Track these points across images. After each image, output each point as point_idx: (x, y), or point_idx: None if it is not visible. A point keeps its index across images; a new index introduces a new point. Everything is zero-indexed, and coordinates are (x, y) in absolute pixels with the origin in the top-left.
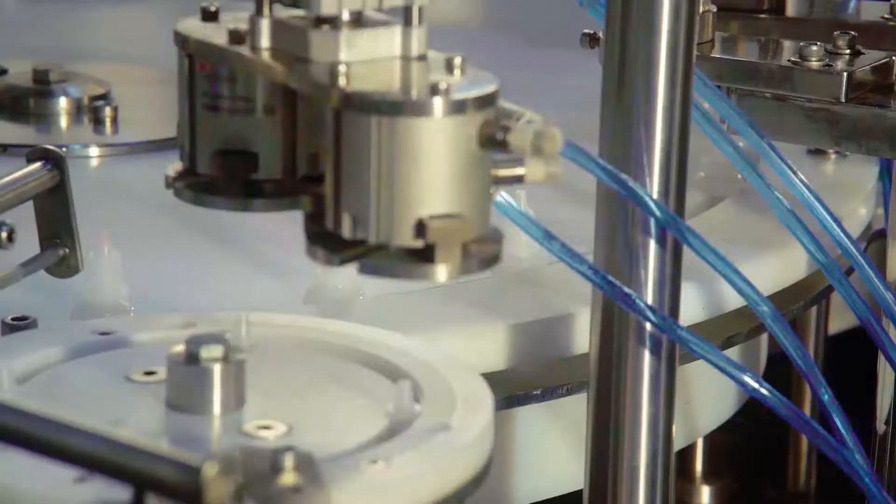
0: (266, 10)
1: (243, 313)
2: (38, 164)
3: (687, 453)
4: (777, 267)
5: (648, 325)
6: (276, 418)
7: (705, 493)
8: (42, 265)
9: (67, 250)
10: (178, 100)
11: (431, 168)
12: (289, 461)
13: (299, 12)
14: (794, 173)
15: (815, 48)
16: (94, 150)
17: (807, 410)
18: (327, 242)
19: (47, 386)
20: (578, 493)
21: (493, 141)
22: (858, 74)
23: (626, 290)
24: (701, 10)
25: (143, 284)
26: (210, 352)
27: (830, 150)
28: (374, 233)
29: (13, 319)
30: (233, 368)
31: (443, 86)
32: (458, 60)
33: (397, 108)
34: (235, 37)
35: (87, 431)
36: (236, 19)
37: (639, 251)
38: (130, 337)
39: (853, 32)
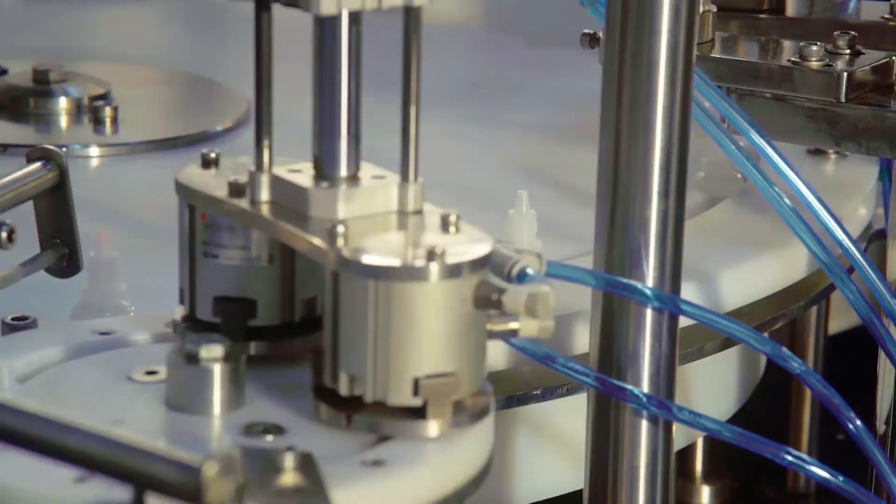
0: (265, 166)
1: None
2: (38, 164)
3: (687, 453)
4: (777, 267)
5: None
6: (277, 418)
7: (705, 493)
8: (42, 265)
9: (67, 250)
10: (179, 247)
11: (427, 330)
12: (289, 461)
13: (298, 166)
14: (795, 173)
15: (815, 48)
16: (94, 150)
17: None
18: (330, 397)
19: (48, 386)
20: (578, 493)
21: (488, 302)
22: (858, 74)
23: (625, 385)
24: (701, 10)
25: (144, 284)
26: (210, 352)
27: (830, 150)
28: (371, 391)
29: (13, 319)
30: (233, 368)
31: (438, 250)
32: (453, 218)
33: (394, 273)
34: (235, 189)
35: (87, 431)
36: (236, 167)
37: (639, 251)
38: (130, 337)
39: (853, 32)
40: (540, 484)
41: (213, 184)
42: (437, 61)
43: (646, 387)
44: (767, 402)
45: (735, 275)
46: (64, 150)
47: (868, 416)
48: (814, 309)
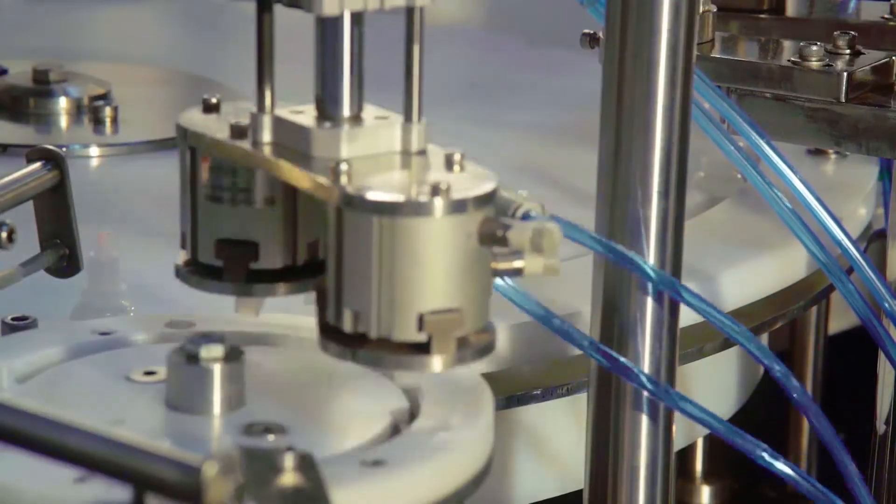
0: (267, 107)
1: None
2: (38, 164)
3: (687, 453)
4: (777, 267)
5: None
6: (277, 418)
7: (705, 493)
8: (42, 265)
9: (67, 250)
10: (180, 190)
11: (432, 266)
12: (289, 461)
13: (300, 109)
14: (794, 173)
15: (815, 48)
16: (94, 150)
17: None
18: (337, 335)
19: (47, 386)
20: (578, 493)
21: (493, 238)
22: (858, 74)
23: (624, 360)
24: (701, 10)
25: (144, 284)
26: (210, 352)
27: (830, 150)
28: (376, 328)
29: (13, 319)
30: (233, 368)
31: (443, 185)
32: (457, 157)
33: (399, 208)
34: (237, 131)
35: (87, 431)
36: (237, 111)
37: (639, 251)
38: (130, 337)
39: (853, 32)
40: (540, 484)
41: (215, 127)
42: (437, 61)
43: None
44: (767, 402)
45: (735, 275)
46: (64, 150)
47: (868, 416)
48: (814, 309)
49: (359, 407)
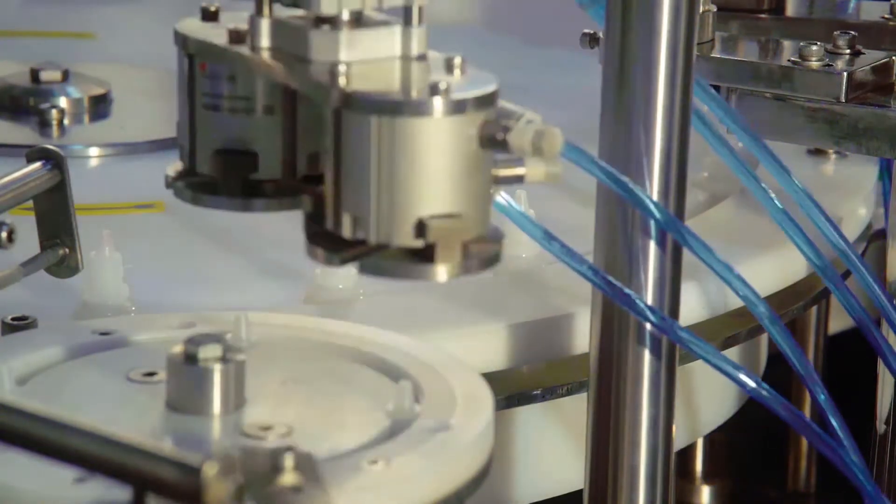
0: (266, 11)
1: (243, 313)
2: (37, 164)
3: (687, 453)
4: (777, 267)
5: (648, 325)
6: (277, 418)
7: (705, 493)
8: (42, 265)
9: (67, 250)
10: (178, 99)
11: (432, 168)
12: (289, 461)
13: (300, 12)
14: (789, 175)
15: (815, 48)
16: (94, 150)
17: (806, 412)
18: (327, 242)
19: (47, 386)
20: (578, 493)
21: (494, 141)
22: (858, 74)
23: (626, 290)
24: (701, 10)
25: (144, 284)
26: (209, 352)
27: (830, 150)
28: (375, 233)
29: (13, 319)
30: (232, 368)
31: (443, 85)
32: (457, 60)
33: (397, 108)
34: (235, 37)
35: (87, 431)
36: (236, 19)
37: (639, 251)
38: (130, 337)
39: (853, 32)
40: (540, 484)
41: (214, 34)
42: None
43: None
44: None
45: None
46: (64, 150)
47: (868, 416)
48: (814, 309)
49: (359, 406)
